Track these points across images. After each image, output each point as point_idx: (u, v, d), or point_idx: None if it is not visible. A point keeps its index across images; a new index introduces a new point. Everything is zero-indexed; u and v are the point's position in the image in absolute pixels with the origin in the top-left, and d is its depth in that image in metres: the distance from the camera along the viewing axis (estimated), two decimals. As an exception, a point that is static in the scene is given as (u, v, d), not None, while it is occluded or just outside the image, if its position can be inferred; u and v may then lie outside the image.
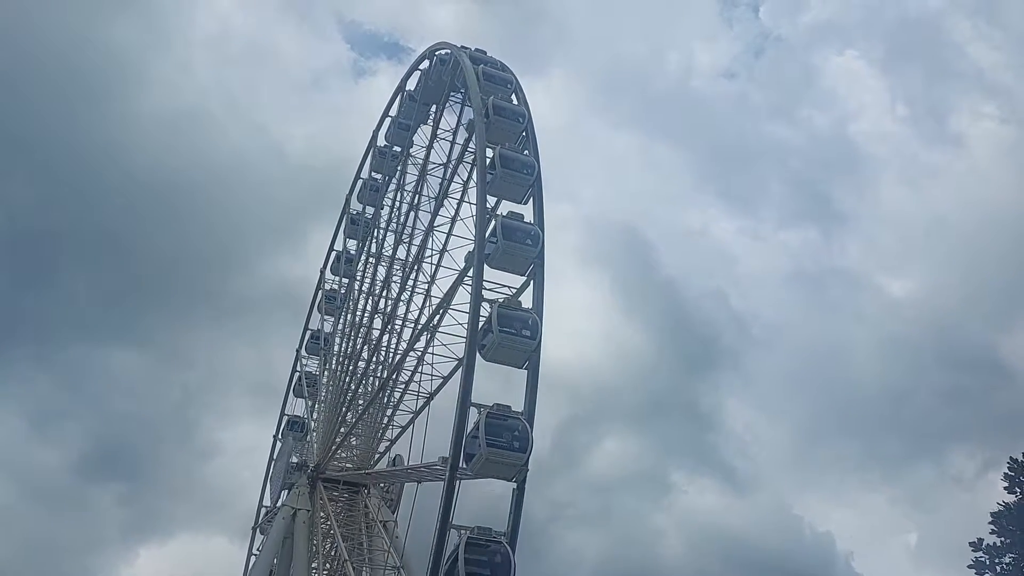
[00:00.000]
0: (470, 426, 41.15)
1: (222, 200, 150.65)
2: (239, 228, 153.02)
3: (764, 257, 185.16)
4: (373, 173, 76.15)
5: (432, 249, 57.91)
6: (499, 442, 39.82)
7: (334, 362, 71.52)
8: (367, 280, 69.91)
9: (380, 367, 61.28)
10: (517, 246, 45.15)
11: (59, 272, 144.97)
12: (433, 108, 65.30)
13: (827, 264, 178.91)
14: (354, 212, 78.21)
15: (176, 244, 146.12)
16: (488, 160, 48.51)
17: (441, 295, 53.59)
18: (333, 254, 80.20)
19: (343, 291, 78.06)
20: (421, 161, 65.60)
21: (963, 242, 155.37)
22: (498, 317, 42.79)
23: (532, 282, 45.59)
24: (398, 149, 71.27)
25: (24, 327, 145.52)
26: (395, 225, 67.71)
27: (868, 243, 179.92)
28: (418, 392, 58.13)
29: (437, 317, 53.17)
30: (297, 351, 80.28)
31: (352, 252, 78.53)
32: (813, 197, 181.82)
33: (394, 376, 58.88)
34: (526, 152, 49.44)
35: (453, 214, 56.27)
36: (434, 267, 57.52)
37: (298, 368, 79.65)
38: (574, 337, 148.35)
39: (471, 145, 54.33)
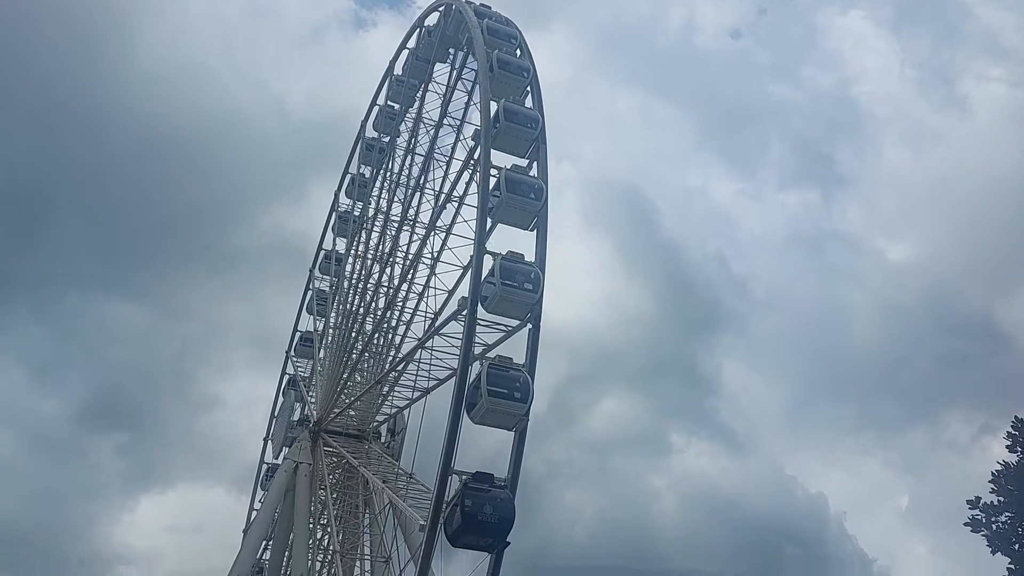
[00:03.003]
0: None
1: (221, 154, 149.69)
2: (237, 182, 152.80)
3: (764, 219, 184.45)
4: (390, 101, 73.78)
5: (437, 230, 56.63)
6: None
7: (342, 309, 71.27)
8: (376, 229, 69.38)
9: (382, 340, 61.52)
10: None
11: (56, 224, 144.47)
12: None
13: (827, 227, 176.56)
14: (369, 138, 76.99)
15: (174, 197, 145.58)
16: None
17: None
18: (348, 177, 79.69)
19: (356, 213, 77.38)
20: (426, 117, 64.39)
21: (964, 207, 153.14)
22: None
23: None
24: (415, 81, 68.33)
25: (20, 278, 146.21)
26: (404, 178, 66.61)
27: (868, 206, 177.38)
28: (415, 385, 57.98)
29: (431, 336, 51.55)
30: (310, 271, 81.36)
31: (367, 176, 77.61)
32: (814, 158, 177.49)
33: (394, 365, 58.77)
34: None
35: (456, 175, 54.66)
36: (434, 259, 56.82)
37: (311, 286, 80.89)
38: (575, 298, 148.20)
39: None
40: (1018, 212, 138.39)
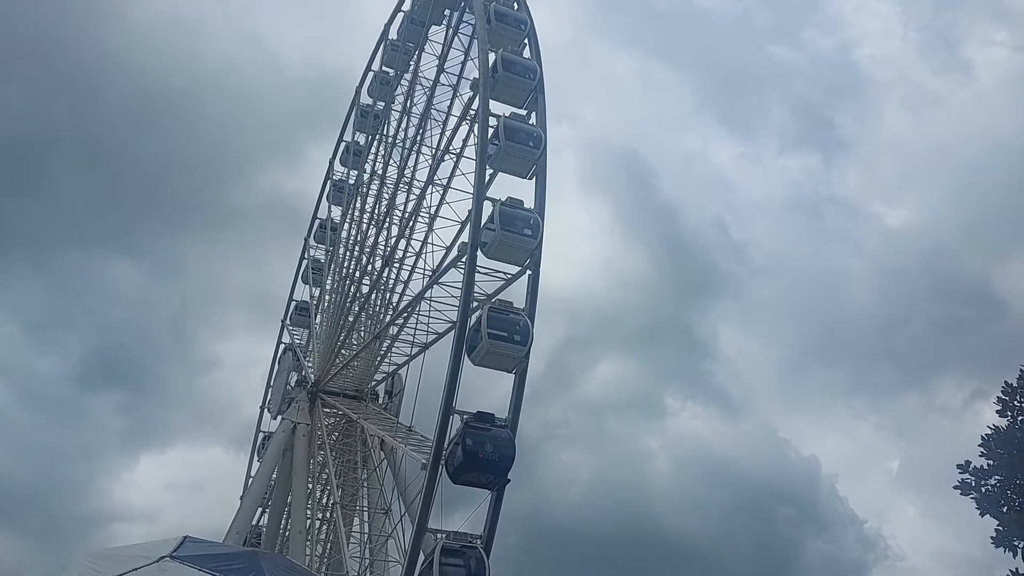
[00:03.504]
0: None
1: (215, 111, 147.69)
2: (232, 139, 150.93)
3: (763, 184, 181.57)
4: (384, 67, 73.87)
5: (435, 187, 56.80)
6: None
7: (337, 270, 71.59)
8: (373, 191, 68.95)
9: (379, 298, 61.63)
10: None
11: (50, 180, 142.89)
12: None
13: (826, 192, 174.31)
14: (364, 105, 76.87)
15: (167, 154, 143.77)
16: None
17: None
18: (343, 145, 79.37)
19: (351, 182, 77.17)
20: (422, 76, 64.40)
21: (964, 172, 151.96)
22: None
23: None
24: (410, 45, 68.40)
25: (16, 233, 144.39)
26: (401, 138, 66.39)
27: (868, 171, 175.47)
28: (412, 341, 58.34)
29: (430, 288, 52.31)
30: (305, 239, 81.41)
31: (361, 144, 77.51)
32: (815, 122, 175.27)
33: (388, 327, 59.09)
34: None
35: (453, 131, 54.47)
36: (431, 215, 57.10)
37: (306, 256, 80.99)
38: (573, 262, 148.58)
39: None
40: (1018, 178, 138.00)
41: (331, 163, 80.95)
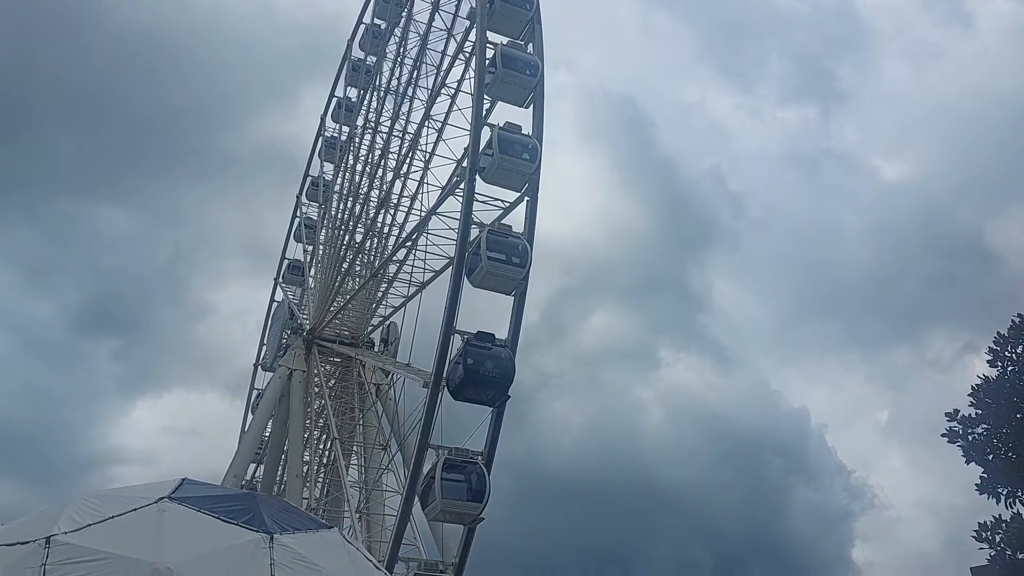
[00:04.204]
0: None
1: (207, 57, 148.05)
2: (225, 85, 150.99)
3: (762, 136, 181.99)
4: (376, 19, 73.61)
5: (430, 127, 56.31)
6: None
7: (332, 221, 70.99)
8: (366, 141, 68.43)
9: (376, 241, 61.40)
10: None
11: (39, 127, 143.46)
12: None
13: (824, 145, 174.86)
14: (355, 59, 76.53)
15: (158, 100, 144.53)
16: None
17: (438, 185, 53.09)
18: (334, 100, 79.05)
19: (343, 139, 76.65)
20: (419, 34, 63.05)
21: (962, 127, 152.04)
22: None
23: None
24: None
25: (6, 180, 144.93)
26: (395, 86, 65.69)
27: (866, 124, 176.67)
28: (410, 280, 58.47)
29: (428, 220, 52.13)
30: (297, 197, 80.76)
31: (353, 100, 76.85)
32: (815, 73, 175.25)
33: (387, 263, 59.10)
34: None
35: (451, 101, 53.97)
36: (428, 154, 56.62)
37: (298, 214, 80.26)
38: (569, 212, 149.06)
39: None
40: (1015, 133, 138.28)
41: (323, 120, 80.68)
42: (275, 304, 77.04)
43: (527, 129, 45.19)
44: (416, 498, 40.42)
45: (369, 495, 51.65)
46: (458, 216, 45.11)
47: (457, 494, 39.40)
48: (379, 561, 43.64)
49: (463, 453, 40.62)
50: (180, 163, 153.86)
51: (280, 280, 79.31)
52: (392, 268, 59.41)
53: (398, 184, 59.15)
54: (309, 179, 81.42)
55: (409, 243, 55.46)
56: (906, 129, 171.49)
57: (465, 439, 41.79)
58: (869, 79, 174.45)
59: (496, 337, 41.36)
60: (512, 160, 43.26)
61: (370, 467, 54.17)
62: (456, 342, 41.02)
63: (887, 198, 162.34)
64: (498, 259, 41.41)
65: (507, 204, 45.15)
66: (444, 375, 40.54)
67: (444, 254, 51.43)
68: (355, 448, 58.62)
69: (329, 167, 78.80)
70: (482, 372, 40.04)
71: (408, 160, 57.73)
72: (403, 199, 58.95)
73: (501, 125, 44.30)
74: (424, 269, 55.45)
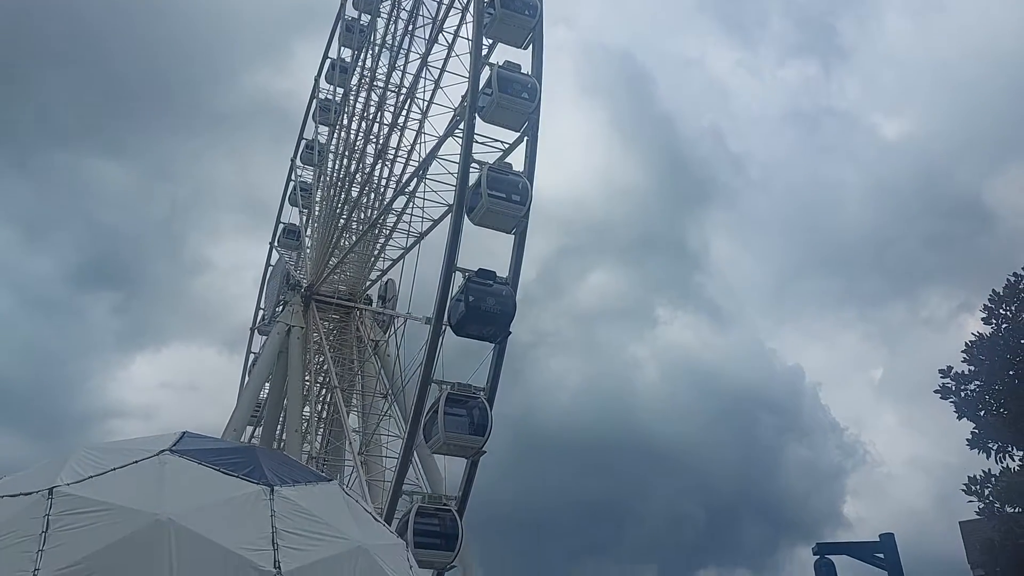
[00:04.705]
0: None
1: (198, 9, 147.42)
2: (220, 39, 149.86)
3: (761, 93, 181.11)
4: None
5: (426, 79, 56.00)
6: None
7: (328, 179, 70.30)
8: (362, 98, 67.94)
9: (372, 195, 61.00)
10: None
11: (32, 81, 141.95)
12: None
13: (824, 103, 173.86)
14: (349, 19, 75.44)
15: (151, 54, 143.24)
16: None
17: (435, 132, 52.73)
18: (328, 62, 78.41)
19: (338, 101, 76.16)
20: None
21: (962, 85, 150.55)
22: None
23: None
24: None
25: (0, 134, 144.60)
26: (390, 42, 64.48)
27: (867, 81, 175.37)
28: (408, 231, 58.41)
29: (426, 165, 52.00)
30: (292, 160, 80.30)
31: (347, 61, 76.36)
32: (816, 29, 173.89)
33: (385, 213, 58.98)
34: None
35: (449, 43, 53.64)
36: (426, 103, 56.03)
37: (293, 177, 79.83)
38: (568, 170, 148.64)
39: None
40: (1014, 93, 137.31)
41: (316, 81, 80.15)
42: (270, 269, 76.97)
43: (526, 69, 45.04)
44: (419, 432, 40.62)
45: (370, 440, 51.53)
46: (457, 160, 45.02)
47: (460, 427, 39.88)
48: (381, 503, 44.48)
49: (465, 388, 40.99)
50: (173, 118, 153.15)
51: (275, 244, 79.18)
52: (390, 220, 59.34)
53: (395, 137, 58.89)
54: (303, 142, 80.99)
55: (408, 190, 55.15)
56: (907, 86, 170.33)
57: (469, 375, 42.23)
58: (870, 35, 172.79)
59: (497, 275, 41.59)
60: (511, 99, 43.24)
61: (371, 413, 54.27)
62: (457, 280, 41.26)
63: (886, 157, 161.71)
64: (498, 197, 41.44)
65: (507, 145, 45.09)
66: (446, 312, 40.69)
67: (443, 201, 51.31)
68: (355, 398, 58.74)
69: (324, 130, 78.37)
70: (483, 308, 40.32)
71: (405, 111, 57.43)
72: (400, 151, 58.64)
73: (500, 64, 44.16)
74: (423, 218, 55.42)
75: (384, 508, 42.19)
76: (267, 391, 64.11)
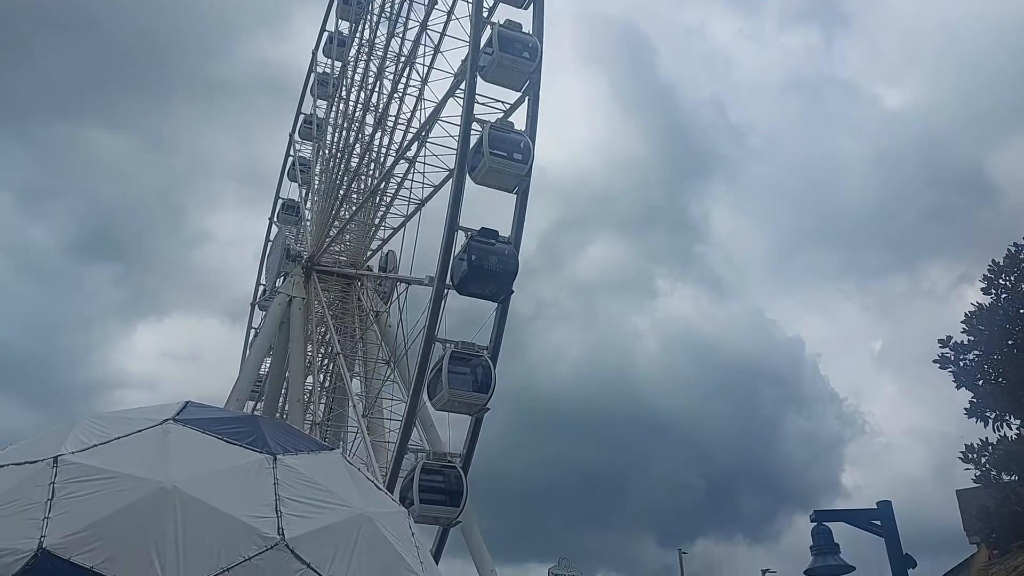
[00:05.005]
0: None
1: None
2: (217, 5, 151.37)
3: (762, 62, 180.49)
4: None
5: (426, 45, 55.82)
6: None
7: (327, 155, 70.24)
8: (360, 69, 67.86)
9: (372, 166, 60.79)
10: None
11: (30, 51, 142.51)
12: None
13: (827, 72, 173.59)
14: None
15: (148, 23, 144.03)
16: None
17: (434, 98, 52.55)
18: (325, 35, 78.15)
19: (336, 75, 75.65)
20: None
21: (967, 56, 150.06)
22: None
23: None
24: None
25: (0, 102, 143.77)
26: (389, 10, 64.23)
27: (870, 49, 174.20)
28: (409, 198, 58.36)
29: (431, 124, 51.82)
30: (290, 135, 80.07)
31: (345, 34, 75.86)
32: None
33: (386, 180, 58.89)
34: None
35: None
36: (426, 68, 55.69)
37: (291, 152, 79.71)
38: (568, 141, 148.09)
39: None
40: (1018, 63, 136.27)
41: (314, 55, 79.91)
42: (271, 238, 76.43)
43: (527, 29, 44.79)
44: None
45: (374, 403, 52.22)
46: (457, 123, 44.93)
47: (464, 385, 40.04)
48: (387, 462, 44.57)
49: (469, 347, 41.13)
50: (170, 86, 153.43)
51: (275, 220, 78.98)
52: (391, 189, 59.24)
53: (395, 105, 58.61)
54: (302, 117, 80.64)
55: (409, 154, 55.18)
56: (909, 55, 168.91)
57: (472, 336, 42.24)
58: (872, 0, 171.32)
59: (499, 234, 41.62)
60: (512, 58, 43.08)
61: (373, 378, 54.83)
62: (460, 239, 41.33)
63: (888, 127, 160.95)
64: (500, 155, 41.42)
65: (508, 105, 45.03)
66: (449, 271, 40.84)
67: (444, 166, 51.05)
68: (357, 364, 59.05)
69: (322, 104, 78.04)
70: (486, 267, 40.39)
71: (405, 77, 57.31)
72: (400, 118, 58.38)
73: (501, 23, 43.88)
74: (423, 184, 55.40)
75: (389, 468, 42.61)
76: (268, 365, 64.06)
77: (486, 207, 45.12)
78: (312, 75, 79.61)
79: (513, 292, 41.63)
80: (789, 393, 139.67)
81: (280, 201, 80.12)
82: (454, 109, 46.80)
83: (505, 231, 42.68)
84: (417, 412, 42.07)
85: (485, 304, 43.11)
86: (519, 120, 44.07)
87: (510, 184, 42.31)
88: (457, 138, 44.51)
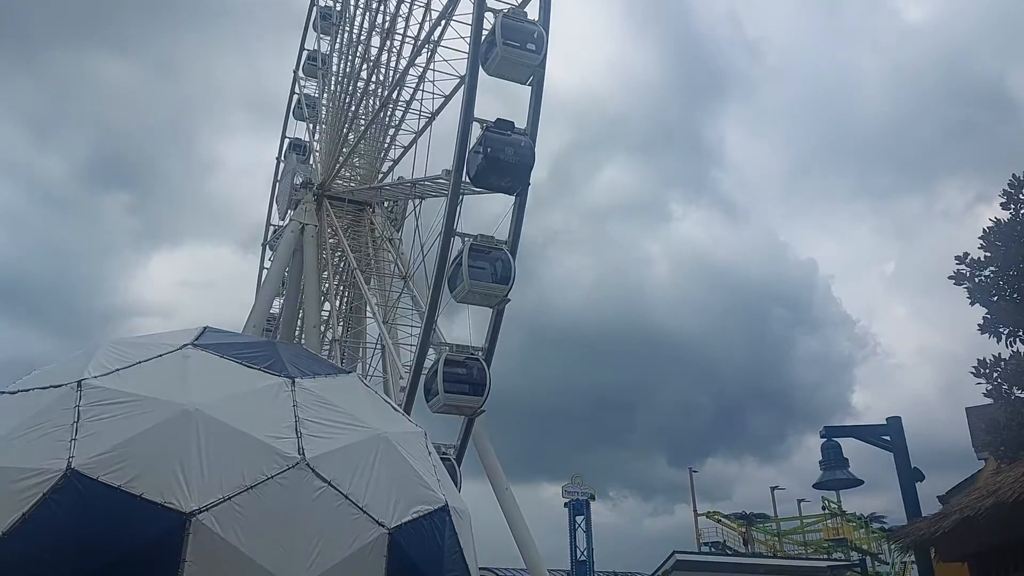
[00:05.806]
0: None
1: None
2: None
3: None
4: None
5: None
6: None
7: (333, 82, 68.96)
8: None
9: (380, 86, 59.81)
10: None
11: None
12: None
13: None
14: None
15: None
16: None
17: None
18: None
19: (339, 6, 73.65)
20: None
21: None
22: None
23: None
24: None
25: (2, 29, 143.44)
26: None
27: None
28: (420, 111, 57.67)
29: (438, 29, 50.70)
30: (294, 72, 78.34)
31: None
32: None
33: (395, 94, 58.07)
34: None
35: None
36: None
37: (296, 90, 78.19)
38: (580, 62, 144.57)
39: None
40: None
41: (315, -11, 77.38)
42: (282, 165, 75.55)
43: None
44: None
45: (394, 310, 53.50)
46: (468, 22, 43.26)
47: (483, 277, 40.32)
48: (410, 360, 44.95)
49: (488, 240, 41.18)
50: (175, 12, 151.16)
51: (282, 159, 77.44)
52: (401, 104, 58.59)
53: (400, 22, 57.30)
54: (305, 53, 78.61)
55: (420, 59, 54.02)
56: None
57: (494, 228, 42.31)
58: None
59: (515, 125, 40.87)
60: (517, 51, 41.02)
61: (391, 291, 55.48)
62: (476, 130, 40.58)
63: (908, 41, 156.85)
64: (513, 45, 40.21)
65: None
66: (464, 163, 40.30)
67: (455, 71, 50.26)
68: (373, 280, 59.14)
69: (325, 39, 75.99)
70: (502, 159, 39.81)
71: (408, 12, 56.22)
72: (408, 32, 57.12)
73: (505, 12, 41.81)
74: (433, 94, 54.71)
75: (412, 365, 43.09)
76: (284, 295, 64.30)
77: (502, 96, 44.96)
78: (314, 8, 77.25)
79: (530, 184, 41.25)
80: (801, 315, 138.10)
81: (287, 140, 78.71)
82: (465, 7, 45.43)
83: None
84: (439, 307, 42.04)
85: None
86: (532, 11, 42.48)
87: (524, 75, 41.18)
88: (468, 38, 43.03)
